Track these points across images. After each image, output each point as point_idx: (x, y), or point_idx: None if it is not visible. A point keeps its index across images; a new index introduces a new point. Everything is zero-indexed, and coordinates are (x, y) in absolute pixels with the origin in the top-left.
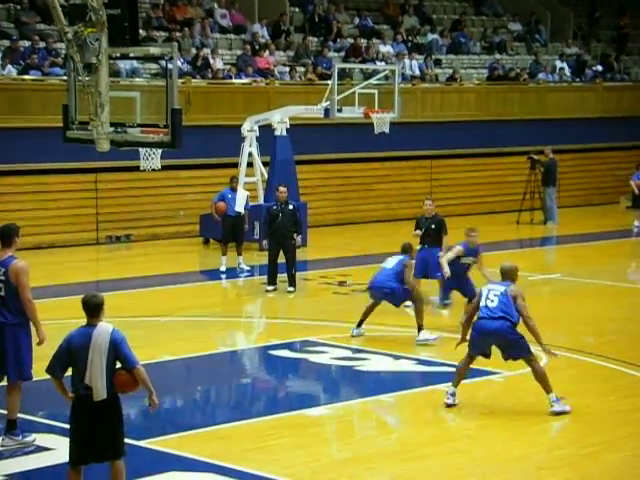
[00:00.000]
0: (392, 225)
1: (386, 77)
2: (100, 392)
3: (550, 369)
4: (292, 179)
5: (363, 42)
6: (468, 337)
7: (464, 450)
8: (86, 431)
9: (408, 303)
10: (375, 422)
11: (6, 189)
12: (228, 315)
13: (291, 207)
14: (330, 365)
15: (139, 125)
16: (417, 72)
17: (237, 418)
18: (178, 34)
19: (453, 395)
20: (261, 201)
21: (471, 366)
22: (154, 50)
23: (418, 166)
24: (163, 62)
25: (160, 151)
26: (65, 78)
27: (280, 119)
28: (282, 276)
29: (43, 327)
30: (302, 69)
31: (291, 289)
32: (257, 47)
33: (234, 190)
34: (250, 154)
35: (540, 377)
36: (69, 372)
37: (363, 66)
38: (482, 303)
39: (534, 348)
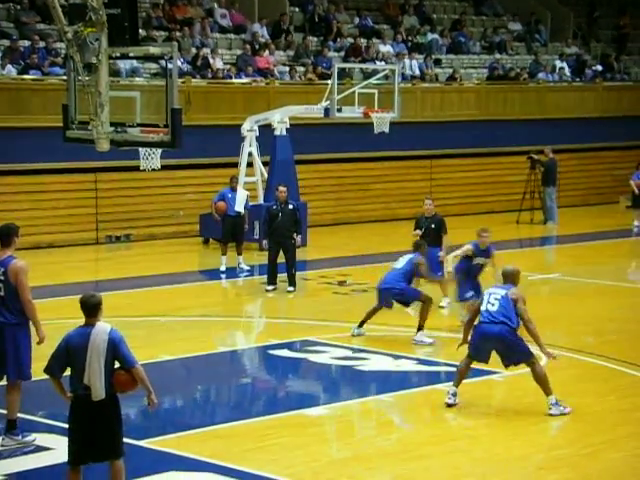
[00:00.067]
0: (392, 225)
1: (386, 77)
2: (99, 392)
3: (550, 369)
4: (292, 179)
5: (363, 42)
6: (469, 339)
7: (464, 450)
8: (85, 431)
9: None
10: (375, 422)
11: (6, 189)
12: (228, 315)
13: (291, 207)
14: (330, 365)
15: (139, 125)
16: (417, 72)
17: (237, 418)
18: (178, 34)
19: (454, 395)
20: (261, 201)
21: (471, 366)
22: (154, 50)
23: (418, 166)
24: (163, 62)
25: (160, 151)
26: (65, 78)
27: (280, 119)
28: (282, 276)
29: (43, 327)
30: (302, 69)
31: (291, 289)
32: (257, 47)
33: (234, 190)
34: (250, 154)
35: (540, 379)
36: (68, 372)
37: (363, 66)
38: (483, 307)
39: (534, 349)
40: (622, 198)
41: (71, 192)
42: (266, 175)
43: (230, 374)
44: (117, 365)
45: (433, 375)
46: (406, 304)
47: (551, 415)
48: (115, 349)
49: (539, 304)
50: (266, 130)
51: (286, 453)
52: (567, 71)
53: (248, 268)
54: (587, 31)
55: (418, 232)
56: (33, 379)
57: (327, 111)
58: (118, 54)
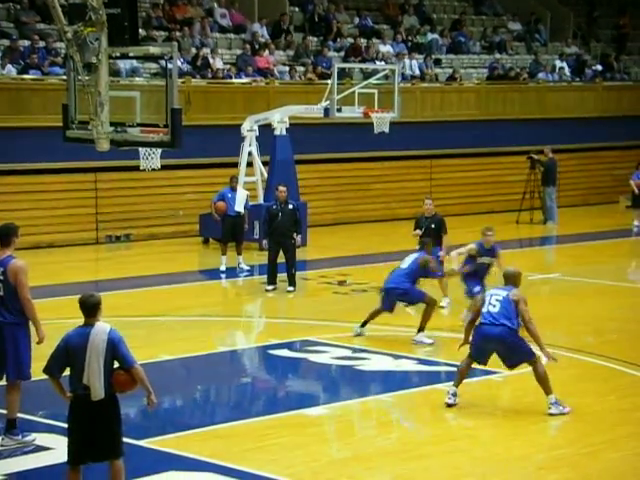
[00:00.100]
0: (391, 225)
1: (386, 77)
2: (98, 392)
3: (550, 369)
4: (292, 179)
5: (363, 42)
6: (470, 339)
7: (464, 449)
8: (84, 431)
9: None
10: (375, 421)
11: (6, 188)
12: (228, 315)
13: (291, 207)
14: (330, 365)
15: (139, 125)
16: (417, 72)
17: (236, 418)
18: (178, 34)
19: (454, 395)
20: (261, 201)
21: (472, 366)
22: (154, 50)
23: (418, 166)
24: (163, 62)
25: (160, 151)
26: (65, 78)
27: (280, 119)
28: (282, 276)
29: (42, 326)
30: (302, 69)
31: (291, 289)
32: (257, 47)
33: (234, 190)
34: (250, 154)
35: (541, 379)
36: (67, 372)
37: (363, 66)
38: (484, 308)
39: (534, 350)
40: (622, 198)
41: (71, 192)
42: (266, 175)
43: (230, 374)
44: (117, 365)
45: (433, 375)
46: (411, 304)
47: (551, 414)
48: (114, 349)
49: (539, 304)
50: (266, 130)
51: (286, 453)
52: (567, 71)
53: (248, 268)
54: (587, 31)
55: (418, 232)
56: (33, 379)
57: (327, 111)
58: (118, 54)
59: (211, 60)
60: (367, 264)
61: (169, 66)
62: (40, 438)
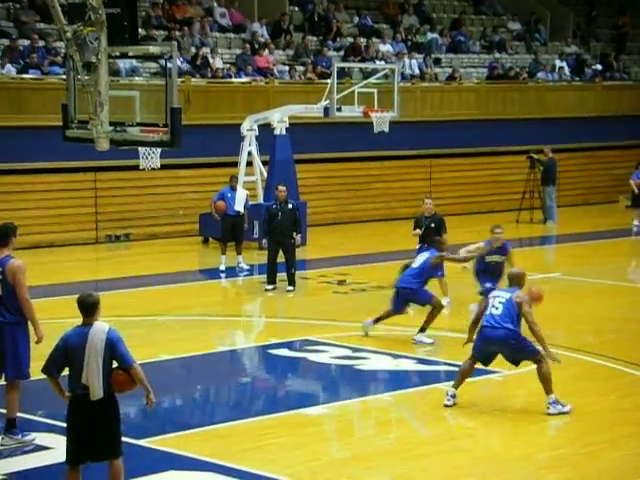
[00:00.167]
0: (391, 224)
1: (385, 76)
2: (97, 391)
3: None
4: (291, 178)
5: (363, 41)
6: (474, 339)
7: (464, 449)
8: (83, 430)
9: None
10: (374, 421)
11: (5, 188)
12: (228, 314)
13: (290, 206)
14: (330, 364)
15: (138, 124)
16: (416, 71)
17: (236, 417)
18: (177, 33)
19: (453, 397)
20: (260, 200)
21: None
22: (153, 49)
23: (417, 165)
24: (162, 61)
25: (159, 150)
26: (64, 77)
27: (279, 118)
28: (282, 275)
29: (41, 326)
30: (302, 68)
31: (290, 288)
32: (257, 46)
33: (234, 189)
34: (249, 153)
35: (543, 377)
36: (66, 371)
37: (362, 65)
38: (487, 311)
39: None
40: (622, 197)
41: (71, 191)
42: (266, 174)
43: (230, 373)
44: (116, 365)
45: (433, 375)
46: (420, 304)
47: (549, 414)
48: (113, 348)
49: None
50: (266, 129)
51: (285, 452)
52: (567, 70)
53: (248, 267)
54: (587, 30)
55: (418, 232)
56: (32, 378)
57: (327, 110)
58: (117, 53)
59: (211, 60)
60: (367, 264)
61: (169, 65)
62: (40, 438)
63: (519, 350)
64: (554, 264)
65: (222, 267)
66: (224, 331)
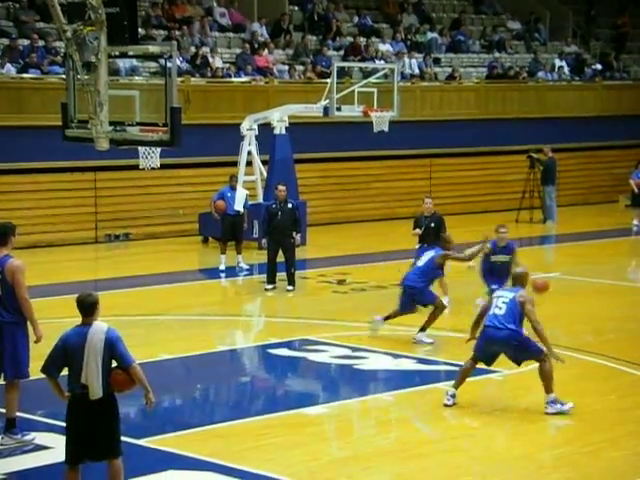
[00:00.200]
0: (391, 224)
1: (385, 76)
2: (96, 391)
3: None
4: (291, 178)
5: (362, 41)
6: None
7: (464, 449)
8: (82, 430)
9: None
10: (374, 421)
11: (5, 187)
12: (227, 314)
13: (290, 206)
14: (329, 364)
15: (138, 124)
16: (416, 71)
17: (236, 417)
18: (177, 33)
19: (453, 397)
20: (260, 200)
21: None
22: (153, 49)
23: (417, 165)
24: (162, 61)
25: (159, 150)
26: (64, 77)
27: (279, 118)
28: (281, 275)
29: (40, 326)
30: (301, 68)
31: (290, 288)
32: (256, 46)
33: (233, 189)
34: (249, 153)
35: (545, 376)
36: (65, 371)
37: (362, 65)
38: (491, 310)
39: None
40: (621, 197)
41: (70, 191)
42: (265, 174)
43: (229, 373)
44: (115, 364)
45: (433, 374)
46: (423, 305)
47: (547, 414)
48: (112, 348)
49: (539, 303)
50: (265, 129)
51: (285, 452)
52: (566, 70)
53: (247, 267)
54: (586, 30)
55: (418, 231)
56: (32, 378)
57: (326, 110)
58: (117, 53)
59: (210, 59)
60: (366, 263)
61: (168, 65)
62: (39, 437)
63: (523, 350)
64: (554, 264)
65: (222, 267)
66: (224, 331)
